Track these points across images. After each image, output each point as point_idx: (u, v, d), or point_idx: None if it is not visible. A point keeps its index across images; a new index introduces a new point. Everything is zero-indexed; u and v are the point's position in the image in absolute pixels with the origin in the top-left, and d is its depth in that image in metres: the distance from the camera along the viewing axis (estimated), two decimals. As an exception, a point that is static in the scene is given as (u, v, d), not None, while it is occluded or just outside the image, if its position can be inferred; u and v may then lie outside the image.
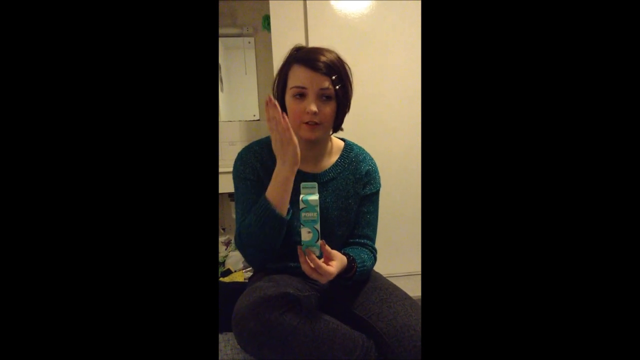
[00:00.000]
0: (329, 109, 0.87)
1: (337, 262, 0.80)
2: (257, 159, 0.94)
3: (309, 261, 0.76)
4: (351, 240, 1.00)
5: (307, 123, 0.86)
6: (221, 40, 2.27)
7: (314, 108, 0.84)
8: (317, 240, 0.77)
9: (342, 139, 1.04)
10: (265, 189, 0.86)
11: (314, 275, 0.77)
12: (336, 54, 0.90)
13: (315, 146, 0.96)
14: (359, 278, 0.92)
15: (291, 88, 0.87)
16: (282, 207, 0.82)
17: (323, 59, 0.85)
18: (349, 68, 0.91)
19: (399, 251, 1.71)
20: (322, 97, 0.86)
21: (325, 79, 0.84)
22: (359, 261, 0.89)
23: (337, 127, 0.94)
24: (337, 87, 0.85)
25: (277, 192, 0.81)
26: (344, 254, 0.87)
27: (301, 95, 0.86)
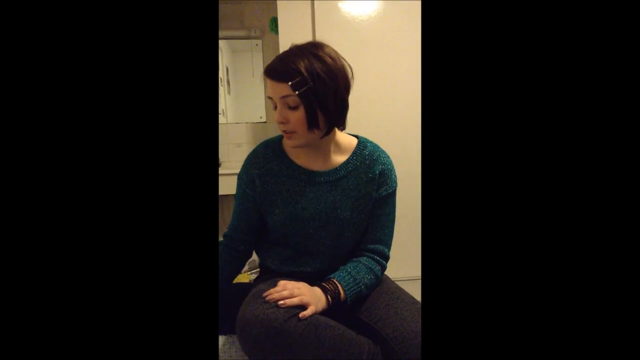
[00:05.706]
0: (296, 115, 0.83)
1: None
2: (258, 165, 0.94)
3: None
4: (362, 246, 0.96)
5: (285, 132, 0.87)
6: (229, 43, 2.27)
7: (278, 117, 0.84)
8: None
9: (356, 136, 0.99)
10: (254, 203, 0.95)
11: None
12: (311, 55, 0.81)
13: (316, 147, 0.93)
14: (362, 294, 0.91)
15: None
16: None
17: (282, 66, 0.80)
18: (338, 67, 0.83)
19: (404, 255, 1.70)
20: (286, 105, 0.83)
21: (284, 86, 0.80)
22: (348, 285, 0.88)
23: (332, 125, 0.89)
24: (297, 92, 0.80)
25: None
26: (327, 280, 0.88)
27: (276, 106, 0.85)
